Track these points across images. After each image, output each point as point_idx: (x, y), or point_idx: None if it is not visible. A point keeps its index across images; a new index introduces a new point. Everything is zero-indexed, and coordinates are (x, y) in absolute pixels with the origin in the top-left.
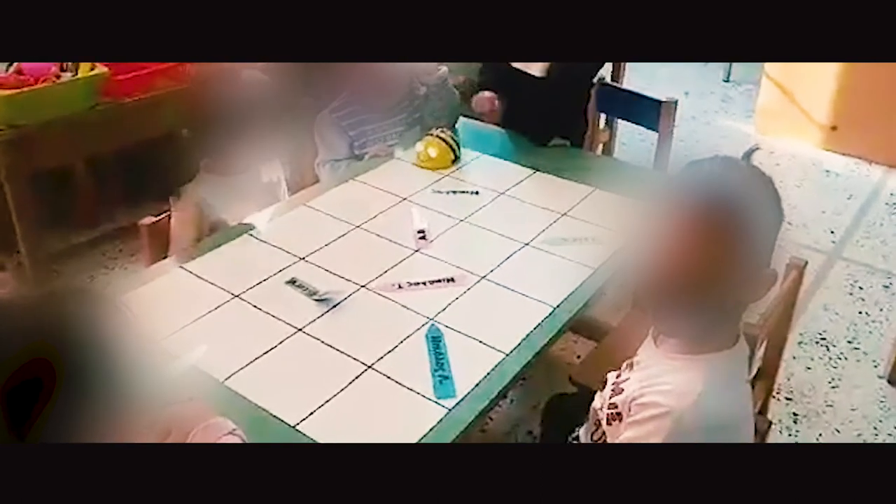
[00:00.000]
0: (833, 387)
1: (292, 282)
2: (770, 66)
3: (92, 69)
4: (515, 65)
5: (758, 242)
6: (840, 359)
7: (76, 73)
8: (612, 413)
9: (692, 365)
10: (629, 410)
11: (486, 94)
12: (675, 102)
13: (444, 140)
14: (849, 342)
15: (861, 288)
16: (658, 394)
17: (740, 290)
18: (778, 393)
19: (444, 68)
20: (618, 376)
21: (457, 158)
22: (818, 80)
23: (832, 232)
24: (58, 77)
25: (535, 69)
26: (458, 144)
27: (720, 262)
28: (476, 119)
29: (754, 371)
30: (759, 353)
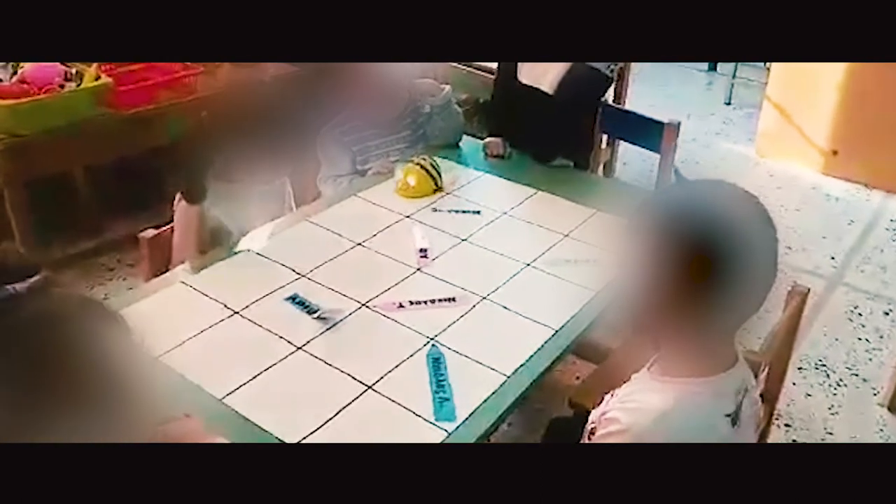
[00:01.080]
0: (833, 413)
1: (293, 299)
2: (772, 90)
3: (97, 79)
4: (525, 81)
5: (737, 267)
6: (840, 385)
7: (80, 83)
8: (591, 427)
9: (667, 387)
10: (600, 424)
11: (498, 139)
12: (678, 125)
13: (424, 168)
14: (848, 369)
15: (861, 314)
16: (623, 411)
17: (721, 316)
18: (777, 419)
19: (447, 88)
20: (611, 395)
21: (438, 188)
22: (819, 105)
23: (832, 257)
24: (62, 87)
25: (546, 85)
26: (439, 173)
27: (692, 287)
28: (477, 137)
29: (752, 400)
30: (761, 377)
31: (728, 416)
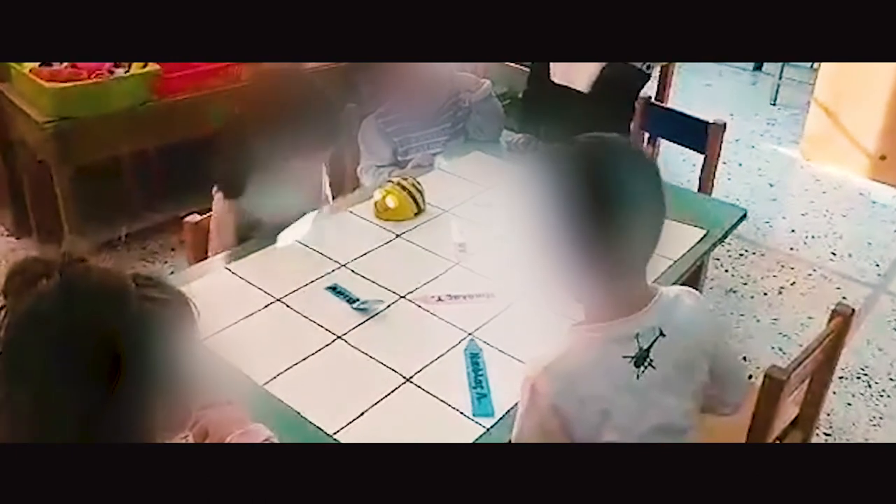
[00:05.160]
0: (874, 425)
1: (333, 288)
2: (819, 91)
3: (144, 66)
4: (559, 81)
5: (625, 210)
6: (882, 396)
7: (129, 69)
8: None
9: (569, 336)
10: None
11: (521, 136)
12: (724, 125)
13: (405, 189)
14: (891, 379)
15: None
16: (529, 362)
17: (618, 258)
18: (816, 428)
19: (487, 83)
20: None
21: (420, 210)
22: (868, 108)
23: (878, 265)
24: (111, 72)
25: (580, 84)
26: (421, 195)
27: (588, 233)
28: (516, 132)
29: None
30: (799, 395)
31: (628, 357)
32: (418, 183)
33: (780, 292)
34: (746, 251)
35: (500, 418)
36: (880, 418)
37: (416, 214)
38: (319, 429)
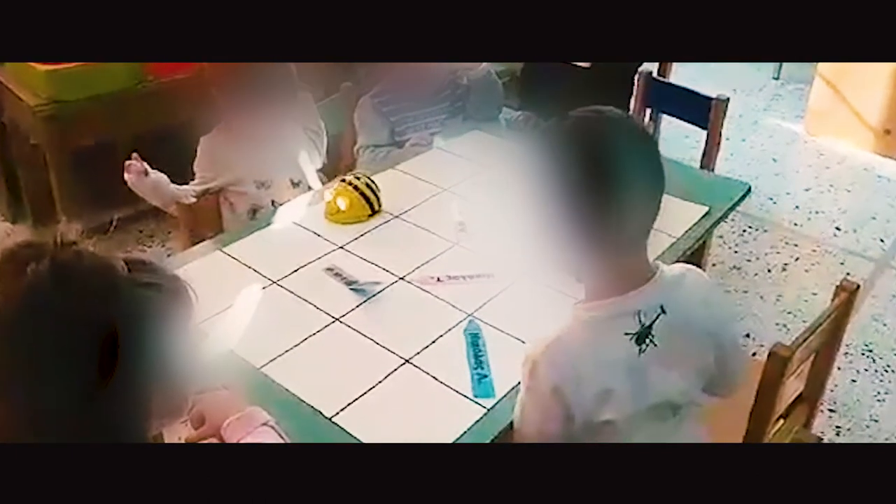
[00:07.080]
0: (878, 400)
1: (330, 270)
2: (823, 66)
3: None
4: None
5: (622, 182)
6: (886, 371)
7: None
8: None
9: (570, 314)
10: None
11: (521, 114)
12: (727, 100)
13: (357, 189)
14: None
15: None
16: (531, 341)
17: (616, 231)
18: (821, 404)
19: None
20: None
21: (375, 211)
22: (873, 83)
23: (882, 240)
24: None
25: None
26: (376, 194)
27: (587, 207)
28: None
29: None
30: (804, 372)
31: (630, 334)
32: (372, 182)
33: (784, 269)
34: (750, 227)
35: (501, 398)
36: (885, 393)
37: (370, 216)
38: (318, 411)
